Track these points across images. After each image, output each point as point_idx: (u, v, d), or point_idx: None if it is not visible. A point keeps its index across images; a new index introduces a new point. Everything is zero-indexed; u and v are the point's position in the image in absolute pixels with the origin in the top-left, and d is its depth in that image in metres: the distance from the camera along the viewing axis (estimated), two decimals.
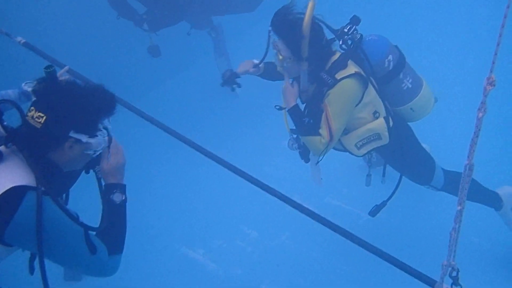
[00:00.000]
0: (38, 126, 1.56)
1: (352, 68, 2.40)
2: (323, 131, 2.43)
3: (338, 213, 3.59)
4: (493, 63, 1.24)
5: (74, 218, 1.62)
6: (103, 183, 1.81)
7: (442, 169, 2.83)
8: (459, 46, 4.72)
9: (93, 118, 1.66)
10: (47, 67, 1.66)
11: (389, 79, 2.54)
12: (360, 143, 2.56)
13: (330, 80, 2.37)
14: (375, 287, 3.05)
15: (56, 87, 1.61)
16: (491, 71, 1.25)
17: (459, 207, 1.40)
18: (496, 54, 1.23)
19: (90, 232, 1.66)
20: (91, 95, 1.64)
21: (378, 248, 1.99)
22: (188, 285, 3.25)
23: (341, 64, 2.39)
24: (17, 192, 1.50)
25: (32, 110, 1.58)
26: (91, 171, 1.83)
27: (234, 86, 3.01)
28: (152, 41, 4.04)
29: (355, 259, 3.08)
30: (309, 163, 2.78)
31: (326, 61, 2.43)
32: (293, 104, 2.50)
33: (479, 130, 1.31)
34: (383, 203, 2.80)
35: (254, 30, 5.53)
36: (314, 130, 2.48)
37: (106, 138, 1.72)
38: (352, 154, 2.62)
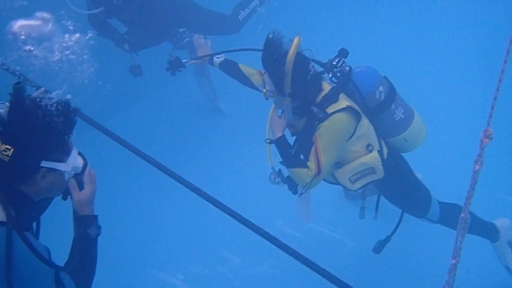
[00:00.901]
0: (6, 159, 1.48)
1: (343, 102, 2.37)
2: (311, 163, 2.38)
3: (322, 239, 3.53)
4: (490, 116, 1.20)
5: (44, 258, 1.53)
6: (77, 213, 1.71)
7: (438, 201, 2.79)
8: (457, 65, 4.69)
9: (61, 141, 1.58)
10: (17, 83, 1.57)
11: (381, 110, 2.50)
12: (354, 177, 2.51)
13: (321, 114, 2.33)
14: None
15: (20, 114, 1.52)
16: (488, 124, 1.21)
17: (453, 261, 1.35)
18: (493, 108, 1.19)
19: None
20: (56, 116, 1.53)
21: None
22: None
23: (332, 98, 2.36)
24: None
25: None
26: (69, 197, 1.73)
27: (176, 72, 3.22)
28: (134, 61, 3.94)
29: None
30: (297, 199, 2.72)
31: (315, 95, 2.39)
32: (279, 135, 2.45)
33: (475, 182, 1.27)
34: (387, 239, 2.73)
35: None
36: (300, 162, 2.43)
37: (80, 159, 1.65)
38: (346, 188, 2.57)
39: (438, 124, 3.86)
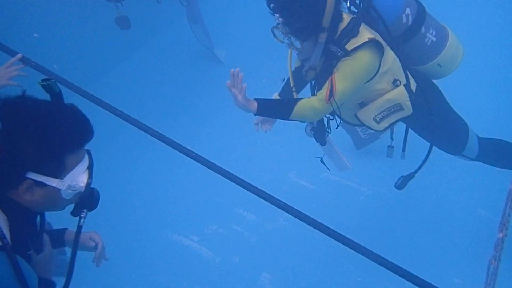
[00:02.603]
0: None
1: (365, 35, 2.08)
2: (322, 91, 2.15)
3: (337, 189, 3.42)
4: None
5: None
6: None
7: (477, 136, 2.55)
8: None
9: (59, 155, 1.28)
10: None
11: (410, 36, 2.21)
12: (380, 116, 2.28)
13: (340, 53, 2.08)
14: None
15: (20, 113, 1.24)
16: None
17: (500, 235, 1.19)
18: None
19: None
20: (60, 125, 1.26)
21: (380, 256, 1.81)
22: (184, 276, 3.08)
23: (352, 32, 2.07)
24: None
25: None
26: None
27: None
28: (120, 12, 3.61)
29: (362, 240, 2.93)
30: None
31: (334, 28, 2.09)
32: (254, 106, 2.20)
33: None
34: (411, 175, 2.50)
35: None
36: (295, 100, 2.23)
37: (84, 177, 1.35)
38: (372, 129, 2.36)
39: None
